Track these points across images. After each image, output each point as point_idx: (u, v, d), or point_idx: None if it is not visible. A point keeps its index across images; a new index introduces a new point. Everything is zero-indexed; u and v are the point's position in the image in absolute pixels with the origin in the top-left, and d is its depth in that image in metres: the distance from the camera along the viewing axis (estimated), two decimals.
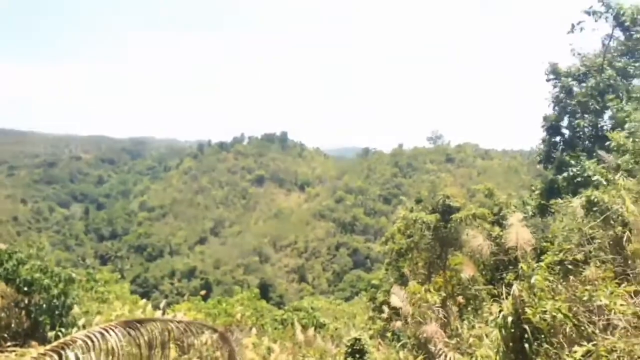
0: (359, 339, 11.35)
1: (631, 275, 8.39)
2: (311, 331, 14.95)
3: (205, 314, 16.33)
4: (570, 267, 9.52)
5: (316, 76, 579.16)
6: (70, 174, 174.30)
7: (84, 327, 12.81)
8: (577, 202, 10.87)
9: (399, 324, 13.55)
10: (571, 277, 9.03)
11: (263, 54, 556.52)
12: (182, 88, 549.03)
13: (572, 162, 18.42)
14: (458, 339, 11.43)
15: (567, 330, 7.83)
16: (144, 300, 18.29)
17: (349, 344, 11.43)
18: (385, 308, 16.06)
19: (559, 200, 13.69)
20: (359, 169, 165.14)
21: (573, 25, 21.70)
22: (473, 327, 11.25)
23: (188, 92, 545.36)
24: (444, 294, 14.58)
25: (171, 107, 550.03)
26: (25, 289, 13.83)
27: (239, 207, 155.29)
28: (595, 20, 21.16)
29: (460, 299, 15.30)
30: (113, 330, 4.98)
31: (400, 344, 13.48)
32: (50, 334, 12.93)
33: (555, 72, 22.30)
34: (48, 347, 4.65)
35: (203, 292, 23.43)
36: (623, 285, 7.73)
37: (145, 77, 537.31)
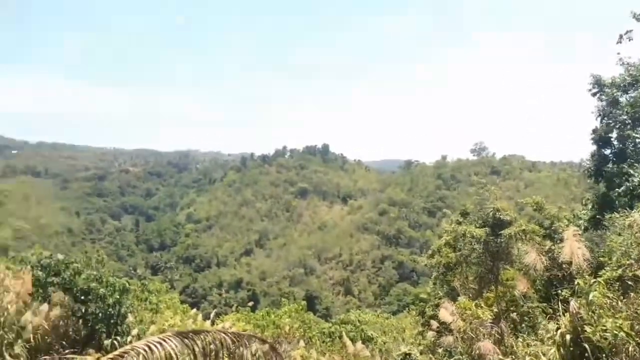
0: (409, 354, 11.22)
1: None
2: (359, 344, 14.84)
3: (254, 325, 16.46)
4: (630, 283, 9.16)
5: (358, 88, 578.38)
6: (120, 187, 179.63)
7: (138, 336, 13.11)
8: (636, 215, 10.47)
9: (450, 339, 13.29)
10: (632, 294, 8.70)
11: (303, 65, 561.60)
12: (225, 102, 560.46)
13: (632, 172, 17.74)
14: (513, 357, 11.12)
15: (630, 349, 7.54)
16: (194, 310, 18.58)
17: (399, 359, 11.30)
18: (435, 323, 15.80)
19: (615, 214, 13.20)
20: (402, 182, 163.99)
21: (621, 36, 20.99)
22: (528, 345, 10.92)
23: (231, 106, 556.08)
24: (496, 310, 14.22)
25: (215, 120, 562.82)
26: (82, 297, 14.28)
27: (282, 219, 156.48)
28: None
29: (514, 315, 14.89)
30: (171, 340, 5.10)
31: None
32: (107, 342, 13.28)
33: (599, 84, 21.59)
34: (110, 355, 4.79)
35: (251, 304, 23.55)
36: None
37: (190, 91, 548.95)
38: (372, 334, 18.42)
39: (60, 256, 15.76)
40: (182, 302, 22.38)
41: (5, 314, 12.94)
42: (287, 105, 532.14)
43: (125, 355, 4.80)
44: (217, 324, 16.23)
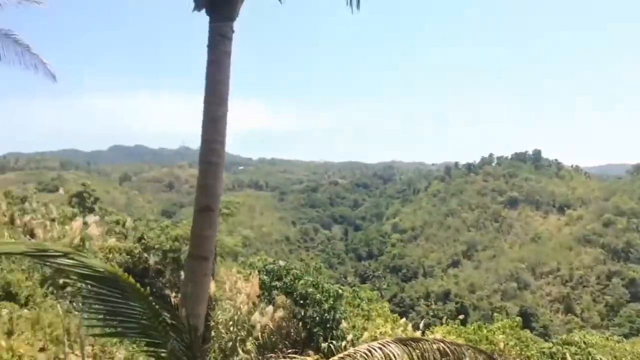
0: None
1: None
2: None
3: (465, 339, 15.90)
4: None
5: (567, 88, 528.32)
6: (330, 198, 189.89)
7: (352, 341, 13.58)
8: None
9: None
10: None
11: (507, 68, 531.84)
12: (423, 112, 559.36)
13: None
14: None
15: None
16: (403, 320, 18.63)
17: None
18: None
19: None
20: (630, 188, 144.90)
21: None
22: None
23: (432, 116, 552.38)
24: None
25: (416, 131, 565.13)
26: (301, 301, 15.32)
27: (491, 230, 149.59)
28: None
29: None
30: (390, 345, 5.15)
31: None
32: (323, 345, 14.00)
33: None
34: (336, 357, 4.99)
35: (461, 317, 22.79)
36: None
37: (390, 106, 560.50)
38: (601, 358, 16.46)
39: (282, 262, 17.14)
40: (391, 311, 22.61)
41: (239, 313, 14.42)
42: (493, 112, 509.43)
43: (348, 357, 4.99)
44: (426, 335, 16.04)
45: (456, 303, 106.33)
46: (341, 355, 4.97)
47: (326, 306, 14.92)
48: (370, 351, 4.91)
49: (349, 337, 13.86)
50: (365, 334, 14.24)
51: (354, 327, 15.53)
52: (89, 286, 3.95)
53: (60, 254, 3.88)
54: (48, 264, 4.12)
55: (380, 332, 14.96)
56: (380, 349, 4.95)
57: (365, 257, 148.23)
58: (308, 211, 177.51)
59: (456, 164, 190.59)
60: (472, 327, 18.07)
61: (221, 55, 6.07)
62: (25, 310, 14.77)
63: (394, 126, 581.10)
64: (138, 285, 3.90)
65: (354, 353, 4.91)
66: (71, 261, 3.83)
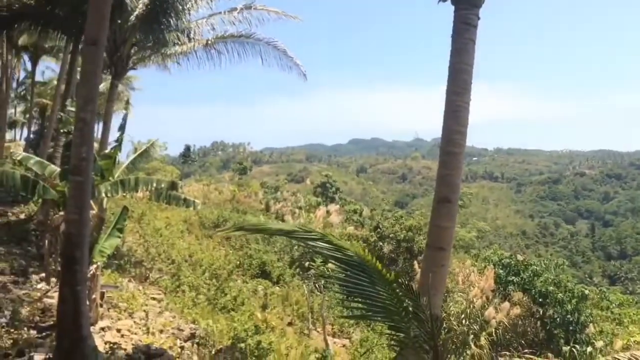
0: None
1: None
2: None
3: None
4: None
5: None
6: (575, 190, 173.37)
7: (600, 350, 12.36)
8: None
9: None
10: None
11: None
12: None
13: None
14: None
15: None
16: None
17: None
18: None
19: None
20: None
21: None
22: None
23: None
24: None
25: None
26: (540, 300, 14.47)
27: None
28: None
29: None
30: None
31: None
32: (565, 348, 13.04)
33: None
34: None
35: None
36: None
37: None
38: None
39: (520, 257, 16.40)
40: None
41: (471, 306, 14.28)
42: None
43: None
44: None
45: None
46: None
47: (569, 307, 13.88)
48: None
49: (599, 344, 12.60)
50: (619, 342, 12.79)
51: (601, 332, 14.13)
52: (341, 269, 4.34)
53: (319, 236, 4.41)
54: (309, 245, 4.65)
55: (635, 341, 13.32)
56: None
57: (617, 256, 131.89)
58: (548, 204, 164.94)
59: None
60: None
61: (465, 44, 6.03)
62: (277, 288, 16.80)
63: None
64: (385, 271, 4.19)
65: None
66: (327, 245, 4.31)
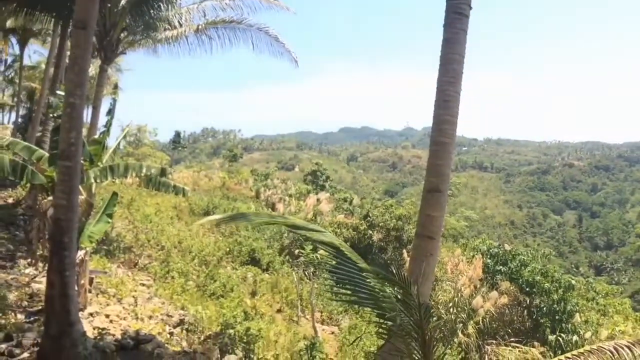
0: None
1: None
2: None
3: None
4: None
5: None
6: (563, 181, 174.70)
7: (586, 339, 12.53)
8: None
9: None
10: None
11: None
12: None
13: None
14: None
15: None
16: None
17: None
18: None
19: None
20: None
21: None
22: None
23: None
24: None
25: None
26: (527, 289, 14.61)
27: None
28: None
29: None
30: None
31: None
32: (551, 337, 13.20)
33: None
34: (577, 351, 4.72)
35: None
36: None
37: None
38: None
39: (507, 247, 16.53)
40: (632, 309, 20.18)
41: (460, 295, 14.39)
42: None
43: (590, 354, 4.66)
44: None
45: None
46: (581, 350, 4.65)
47: (556, 296, 14.05)
48: (616, 349, 4.51)
49: (588, 334, 12.75)
50: (604, 332, 12.97)
51: (586, 321, 14.32)
52: (329, 256, 4.37)
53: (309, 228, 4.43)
54: (299, 233, 4.66)
55: (619, 331, 13.52)
56: (628, 348, 4.52)
57: (603, 247, 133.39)
58: (537, 194, 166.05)
59: None
60: None
61: (457, 34, 6.03)
62: (266, 275, 16.84)
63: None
64: (360, 258, 4.20)
65: (598, 350, 4.55)
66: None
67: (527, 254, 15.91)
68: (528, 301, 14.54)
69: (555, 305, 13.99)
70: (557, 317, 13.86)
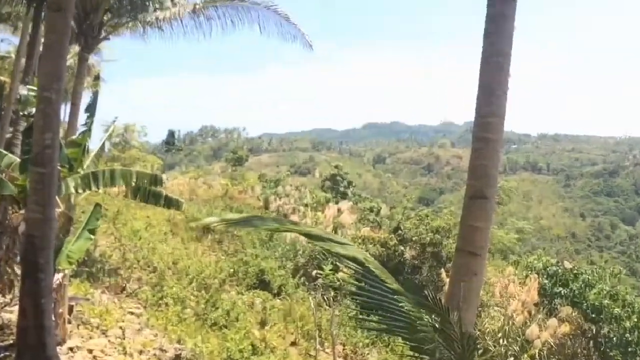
0: None
1: None
2: None
3: None
4: None
5: None
6: (635, 184, 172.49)
7: None
8: None
9: None
10: None
11: None
12: None
13: None
14: None
15: None
16: None
17: None
18: None
19: None
20: None
21: None
22: None
23: None
24: None
25: None
26: (593, 315, 14.43)
27: None
28: None
29: None
30: None
31: None
32: None
33: None
34: None
35: None
36: None
37: None
38: None
39: (568, 264, 16.34)
40: None
41: (510, 323, 14.26)
42: None
43: None
44: None
45: None
46: None
47: (628, 324, 13.85)
48: None
49: None
50: None
51: None
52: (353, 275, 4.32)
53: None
54: (315, 244, 4.60)
55: None
56: None
57: None
58: (603, 201, 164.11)
59: None
60: None
61: (502, 19, 6.00)
62: (278, 301, 16.83)
63: None
64: (390, 276, 4.15)
65: None
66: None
67: (592, 273, 15.74)
68: (594, 330, 14.39)
69: (627, 335, 13.81)
70: (630, 349, 13.69)
